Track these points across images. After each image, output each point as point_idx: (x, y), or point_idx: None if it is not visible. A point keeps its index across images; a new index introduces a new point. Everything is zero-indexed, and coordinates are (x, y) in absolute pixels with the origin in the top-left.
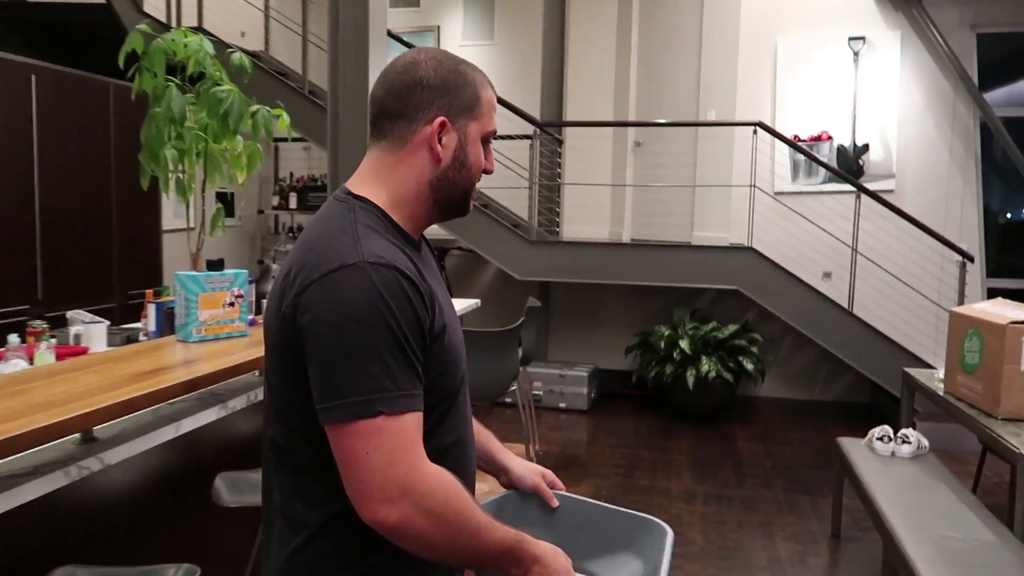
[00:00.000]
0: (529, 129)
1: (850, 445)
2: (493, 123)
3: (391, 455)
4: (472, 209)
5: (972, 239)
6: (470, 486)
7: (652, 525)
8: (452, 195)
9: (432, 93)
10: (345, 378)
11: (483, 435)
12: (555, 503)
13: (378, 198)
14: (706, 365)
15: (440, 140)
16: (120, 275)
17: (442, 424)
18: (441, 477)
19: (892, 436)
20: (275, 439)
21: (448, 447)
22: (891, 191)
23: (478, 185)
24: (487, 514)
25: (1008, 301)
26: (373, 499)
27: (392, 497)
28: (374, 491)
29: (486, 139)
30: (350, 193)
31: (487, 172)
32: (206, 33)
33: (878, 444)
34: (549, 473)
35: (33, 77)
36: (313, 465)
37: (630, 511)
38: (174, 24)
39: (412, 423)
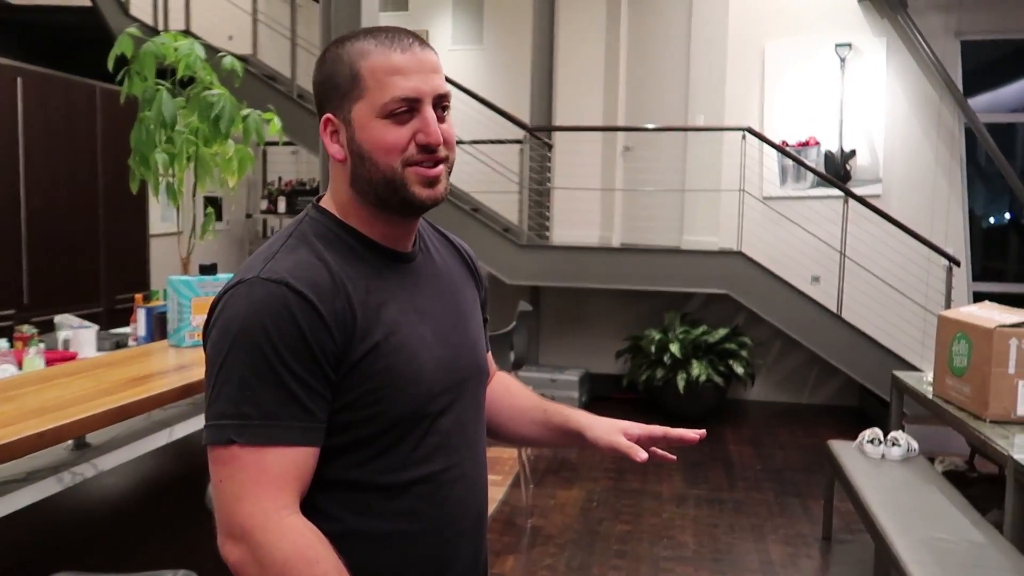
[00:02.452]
0: (519, 133)
1: (840, 448)
2: (391, 90)
3: (239, 489)
4: (466, 214)
5: (958, 243)
6: (443, 540)
7: None
8: (377, 190)
9: (320, 92)
10: (211, 400)
11: (549, 412)
12: (640, 457)
13: (331, 206)
14: (696, 369)
15: (336, 140)
16: (107, 280)
17: (389, 458)
18: (291, 534)
19: (882, 439)
20: None
21: (404, 486)
22: (878, 196)
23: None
24: None
25: (995, 305)
26: (222, 531)
27: (235, 535)
28: (222, 523)
29: (390, 112)
30: (315, 202)
31: (425, 144)
32: (195, 37)
33: (868, 447)
34: (635, 426)
35: (19, 80)
36: None
37: None
38: (161, 27)
39: (277, 458)
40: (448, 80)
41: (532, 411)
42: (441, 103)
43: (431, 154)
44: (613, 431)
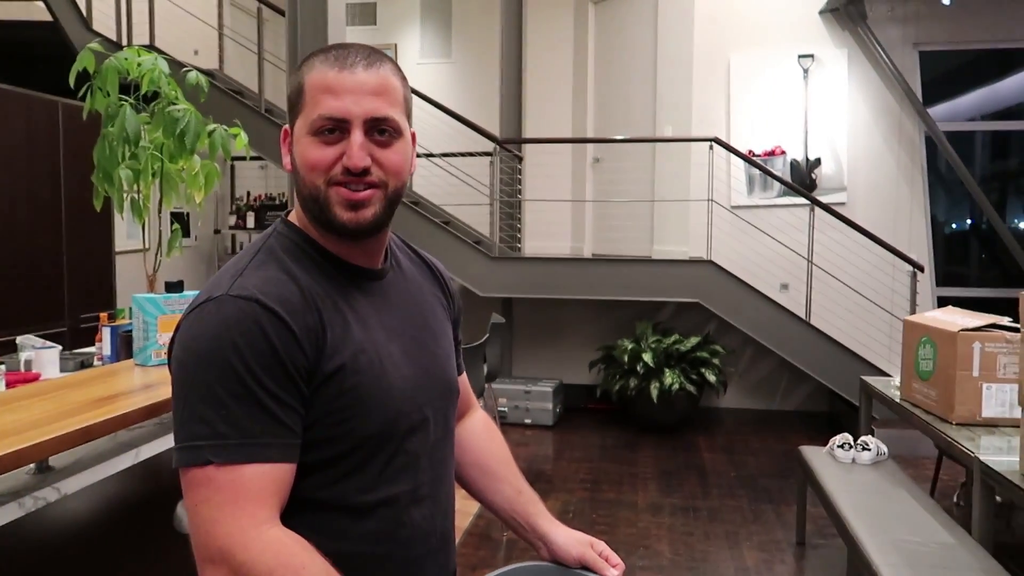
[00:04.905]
0: (489, 146)
1: (811, 453)
2: (319, 108)
3: (216, 511)
4: (437, 226)
5: (921, 249)
6: (409, 560)
7: None
8: (309, 206)
9: (287, 104)
10: (182, 421)
11: (523, 497)
12: (610, 574)
13: (297, 220)
14: (669, 378)
15: (290, 151)
16: (71, 298)
17: (356, 478)
18: (274, 546)
19: (852, 443)
20: None
21: (371, 507)
22: (843, 203)
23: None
24: None
25: (958, 309)
26: (199, 556)
27: (213, 558)
28: (201, 548)
29: (316, 130)
30: (284, 216)
31: (346, 168)
32: (159, 52)
33: (839, 452)
34: (599, 543)
35: None
36: None
37: None
38: (125, 42)
39: (254, 476)
40: (417, 94)
41: (505, 485)
42: (378, 127)
43: (355, 177)
44: (580, 545)
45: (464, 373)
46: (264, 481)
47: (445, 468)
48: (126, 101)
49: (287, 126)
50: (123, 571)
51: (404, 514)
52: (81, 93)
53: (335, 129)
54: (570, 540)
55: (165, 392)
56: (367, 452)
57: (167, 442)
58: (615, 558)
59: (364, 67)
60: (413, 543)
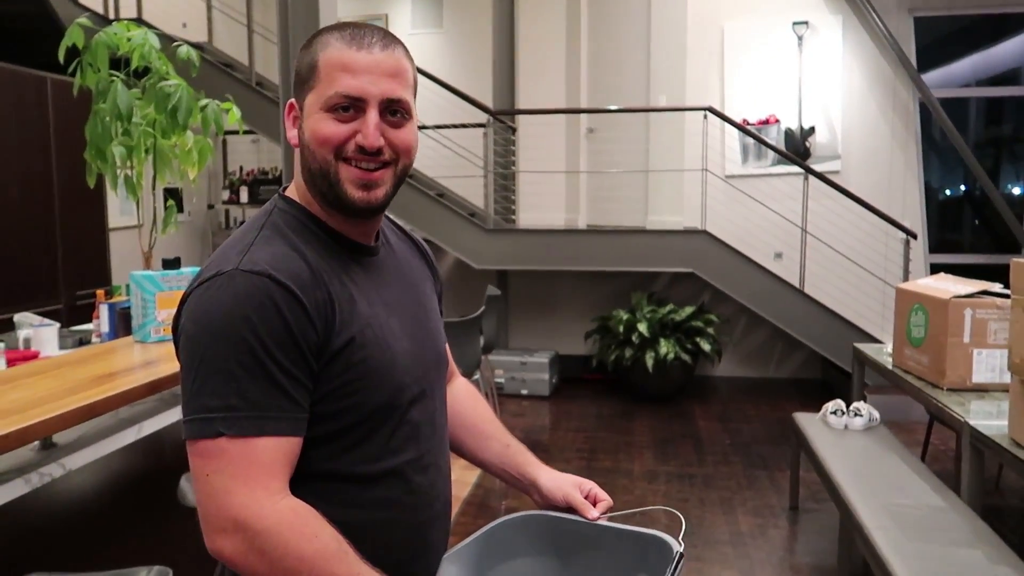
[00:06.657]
0: (482, 117)
1: (805, 420)
2: (335, 85)
3: (229, 482)
4: (432, 199)
5: (915, 217)
6: (416, 525)
7: (661, 543)
8: (316, 182)
9: (293, 78)
10: (193, 393)
11: (511, 449)
12: (592, 515)
13: (296, 196)
14: (664, 347)
15: (295, 126)
16: (66, 276)
17: (364, 449)
18: (288, 516)
19: (845, 410)
20: None
21: (379, 476)
22: (837, 172)
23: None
24: (363, 566)
25: (950, 276)
26: (210, 527)
27: (227, 528)
28: (210, 519)
29: (331, 106)
30: (282, 192)
31: (361, 146)
32: (148, 25)
33: (832, 418)
34: (586, 483)
35: None
36: None
37: (639, 529)
38: (112, 16)
39: (266, 448)
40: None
41: (494, 442)
42: (392, 108)
43: (368, 156)
44: (566, 486)
45: (446, 344)
46: (276, 454)
47: (443, 436)
48: (117, 77)
49: (292, 100)
50: (128, 544)
51: (411, 481)
52: (71, 69)
53: (350, 107)
54: (557, 483)
55: (166, 369)
56: (373, 423)
57: (169, 417)
58: (602, 494)
59: (381, 48)
60: (420, 508)
